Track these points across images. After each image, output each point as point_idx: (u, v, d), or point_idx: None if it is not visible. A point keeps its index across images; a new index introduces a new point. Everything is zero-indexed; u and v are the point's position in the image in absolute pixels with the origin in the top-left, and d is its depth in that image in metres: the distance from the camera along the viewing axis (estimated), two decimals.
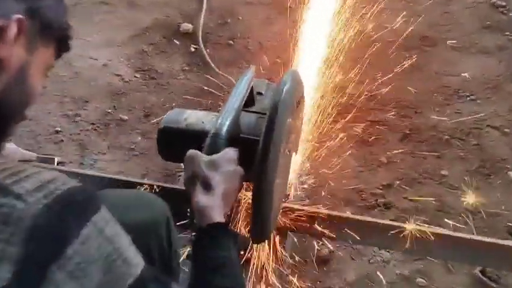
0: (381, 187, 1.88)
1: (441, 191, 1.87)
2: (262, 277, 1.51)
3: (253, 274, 1.48)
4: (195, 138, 1.16)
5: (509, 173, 1.92)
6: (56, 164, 1.82)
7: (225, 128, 1.16)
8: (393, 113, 2.16)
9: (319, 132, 1.94)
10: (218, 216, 0.91)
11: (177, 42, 2.57)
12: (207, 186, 0.95)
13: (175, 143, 1.21)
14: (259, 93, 1.33)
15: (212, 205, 0.93)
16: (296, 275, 1.55)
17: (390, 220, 1.72)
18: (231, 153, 1.06)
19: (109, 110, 2.19)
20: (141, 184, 1.61)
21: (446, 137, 2.10)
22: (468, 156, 2.02)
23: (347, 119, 2.00)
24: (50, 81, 2.32)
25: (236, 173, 1.03)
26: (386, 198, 1.83)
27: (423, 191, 1.88)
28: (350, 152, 1.99)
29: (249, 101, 1.29)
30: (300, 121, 1.43)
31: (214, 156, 1.04)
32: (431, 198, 1.82)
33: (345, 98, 2.09)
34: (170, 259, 0.97)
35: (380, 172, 1.95)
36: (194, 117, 1.31)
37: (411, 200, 1.83)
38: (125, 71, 2.40)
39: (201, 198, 0.93)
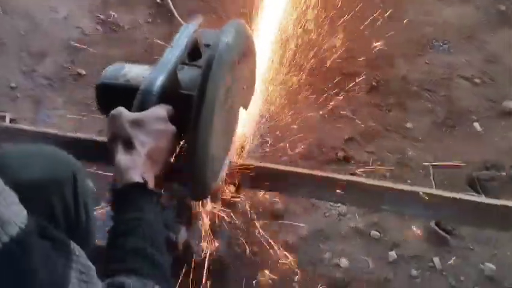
0: (342, 141, 1.84)
1: (404, 144, 1.83)
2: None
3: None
4: (133, 94, 1.12)
5: (474, 124, 1.88)
6: (8, 121, 1.78)
7: (157, 83, 1.09)
8: (363, 64, 2.09)
9: (284, 84, 1.88)
10: (137, 177, 0.87)
11: None
12: (129, 146, 0.91)
13: (114, 99, 1.13)
14: (208, 45, 1.27)
15: (132, 165, 0.89)
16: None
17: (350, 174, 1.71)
18: (159, 110, 1.01)
19: (67, 65, 2.10)
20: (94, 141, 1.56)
21: (415, 88, 2.04)
22: (435, 108, 1.97)
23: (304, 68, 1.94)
24: (8, 35, 2.25)
25: (165, 131, 0.98)
26: (346, 152, 1.79)
27: (385, 144, 1.84)
28: (314, 105, 1.95)
29: (195, 54, 1.23)
30: (250, 74, 1.37)
31: (140, 114, 0.99)
32: (392, 152, 1.79)
33: (315, 49, 2.03)
34: (79, 221, 0.94)
35: (342, 126, 1.90)
36: (134, 72, 1.24)
37: (371, 152, 1.80)
38: (86, 24, 2.30)
39: (121, 157, 0.89)
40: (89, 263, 0.69)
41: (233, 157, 1.50)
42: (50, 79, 2.05)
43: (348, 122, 1.91)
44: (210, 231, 1.44)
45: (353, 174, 1.70)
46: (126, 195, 0.84)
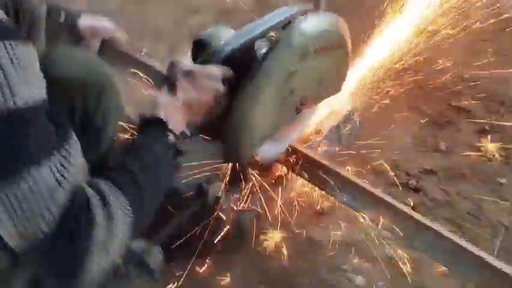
0: (421, 170, 1.75)
1: (485, 196, 1.67)
2: None
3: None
4: None
5: None
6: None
7: (227, 48, 1.22)
8: (479, 102, 1.94)
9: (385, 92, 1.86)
10: (162, 115, 1.00)
11: None
12: (172, 89, 1.05)
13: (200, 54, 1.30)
14: None
15: (166, 104, 1.02)
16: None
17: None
18: (214, 69, 1.13)
19: None
20: None
21: None
22: None
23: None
24: None
25: (211, 89, 1.10)
26: (418, 183, 1.71)
27: (465, 189, 1.70)
28: (413, 127, 1.88)
29: None
30: (334, 72, 1.39)
31: (195, 67, 1.12)
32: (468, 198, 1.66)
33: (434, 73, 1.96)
34: (93, 126, 1.09)
35: (430, 157, 1.80)
36: (227, 35, 1.38)
37: (446, 192, 1.68)
38: None
39: (160, 95, 1.03)
40: (78, 159, 0.84)
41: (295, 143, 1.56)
42: None
43: (437, 155, 1.81)
44: (246, 196, 1.53)
45: (413, 208, 1.63)
46: (144, 125, 0.98)
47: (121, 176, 0.88)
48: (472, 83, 2.03)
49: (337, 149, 1.77)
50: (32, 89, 0.78)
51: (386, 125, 1.85)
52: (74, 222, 0.79)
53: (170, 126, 1.00)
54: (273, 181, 1.59)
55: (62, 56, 1.07)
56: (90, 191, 0.82)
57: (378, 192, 1.43)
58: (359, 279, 1.47)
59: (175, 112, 1.04)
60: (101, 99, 1.08)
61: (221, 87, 1.11)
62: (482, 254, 1.27)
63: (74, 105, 1.04)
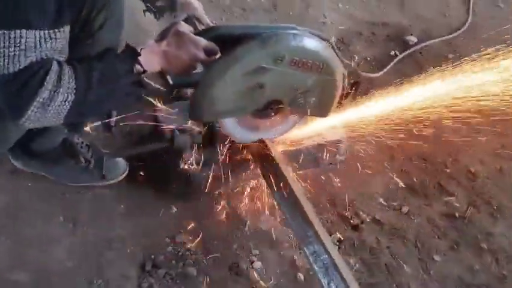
0: (371, 218, 1.89)
1: (409, 264, 1.77)
2: None
3: None
4: None
5: None
6: None
7: (219, 30, 1.55)
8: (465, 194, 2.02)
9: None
10: (139, 48, 1.35)
11: None
12: (161, 39, 1.41)
13: None
14: None
15: (149, 45, 1.39)
16: None
17: None
18: (202, 40, 1.47)
19: None
20: None
21: None
22: None
23: None
24: None
25: (191, 52, 1.44)
26: (360, 225, 1.86)
27: (398, 250, 1.81)
28: (388, 183, 2.02)
29: None
30: (309, 90, 1.63)
31: (188, 32, 1.46)
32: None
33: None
34: (92, 28, 1.46)
35: (386, 212, 1.93)
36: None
37: (377, 242, 1.81)
38: None
39: (150, 41, 1.40)
40: (60, 44, 1.22)
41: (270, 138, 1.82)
42: None
43: (394, 213, 1.93)
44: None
45: (340, 240, 1.80)
46: (125, 48, 1.35)
47: (81, 70, 1.26)
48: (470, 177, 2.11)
49: (311, 167, 2.00)
50: None
51: (365, 169, 2.03)
52: (30, 77, 1.19)
53: (142, 61, 1.35)
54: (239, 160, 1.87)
55: None
56: (55, 65, 1.21)
57: (308, 206, 1.65)
58: (258, 264, 1.69)
59: (152, 54, 1.39)
60: (104, 10, 1.46)
61: (200, 54, 1.45)
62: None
63: (82, 9, 1.43)
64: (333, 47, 1.65)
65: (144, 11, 2.08)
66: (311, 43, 1.56)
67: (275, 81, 1.58)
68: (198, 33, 1.53)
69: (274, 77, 1.56)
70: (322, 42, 1.59)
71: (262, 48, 1.49)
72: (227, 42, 1.54)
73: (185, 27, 1.49)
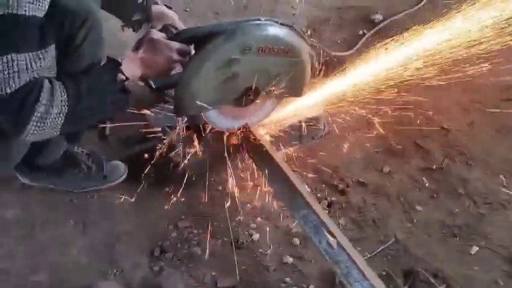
0: (355, 180, 2.05)
1: (395, 216, 1.92)
2: None
3: None
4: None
5: None
6: None
7: (189, 32, 1.72)
8: (441, 150, 2.17)
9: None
10: (119, 59, 1.53)
11: None
12: (138, 48, 1.57)
13: None
14: None
15: (127, 55, 1.56)
16: None
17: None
18: (172, 43, 1.63)
19: None
20: None
21: None
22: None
23: None
24: None
25: (165, 54, 1.60)
26: (346, 188, 2.01)
27: (383, 206, 1.96)
28: (368, 147, 2.18)
29: None
30: (280, 73, 1.79)
31: (161, 38, 1.62)
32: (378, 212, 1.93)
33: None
34: (74, 44, 1.58)
35: (369, 173, 2.09)
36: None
37: (364, 201, 1.97)
38: None
39: (128, 51, 1.56)
40: (48, 62, 1.39)
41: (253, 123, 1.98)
42: None
43: (377, 173, 2.09)
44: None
45: (329, 204, 1.97)
46: (107, 61, 1.51)
47: (71, 84, 1.44)
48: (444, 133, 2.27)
49: (295, 145, 2.15)
50: (33, 7, 1.34)
51: (346, 139, 2.19)
52: (27, 94, 1.36)
53: (124, 69, 1.52)
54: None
55: None
56: (46, 82, 1.38)
57: (294, 177, 1.80)
58: (256, 236, 1.84)
59: (131, 62, 1.57)
60: (84, 26, 1.59)
61: (174, 56, 1.61)
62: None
63: (63, 26, 1.56)
64: (296, 31, 1.81)
65: (122, 26, 2.28)
66: (274, 30, 1.72)
67: (247, 70, 1.74)
68: (170, 38, 1.69)
69: (245, 66, 1.72)
70: (284, 28, 1.75)
71: (229, 41, 1.64)
72: (198, 42, 1.70)
73: (158, 35, 1.66)
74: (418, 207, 1.94)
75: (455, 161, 2.12)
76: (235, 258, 1.77)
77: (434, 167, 2.09)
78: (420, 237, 1.84)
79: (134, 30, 2.32)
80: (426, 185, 2.02)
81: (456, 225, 1.86)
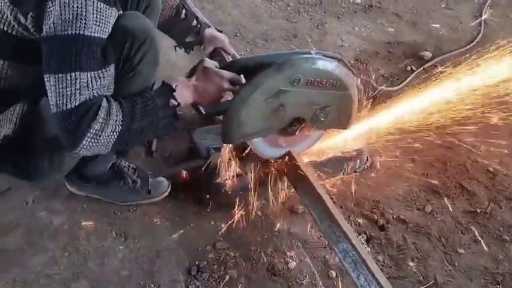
0: (395, 217, 2.02)
1: (435, 260, 1.88)
2: None
3: None
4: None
5: None
6: None
7: (241, 62, 1.79)
8: (485, 191, 2.12)
9: None
10: (173, 85, 1.60)
11: None
12: (191, 75, 1.64)
13: None
14: None
15: (181, 82, 1.64)
16: None
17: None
18: (227, 73, 1.69)
19: None
20: None
21: None
22: None
23: None
24: None
25: (216, 83, 1.67)
26: (386, 224, 1.99)
27: (423, 246, 1.93)
28: (412, 185, 2.15)
29: None
30: (328, 106, 1.81)
31: (213, 67, 1.68)
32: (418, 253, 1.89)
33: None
34: (130, 63, 1.64)
35: (410, 211, 2.06)
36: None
37: (404, 239, 1.93)
38: None
39: (181, 77, 1.63)
40: (107, 81, 1.47)
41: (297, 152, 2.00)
42: None
43: (418, 212, 2.06)
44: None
45: (367, 239, 1.94)
46: (162, 85, 1.59)
47: (126, 105, 1.52)
48: (491, 176, 2.22)
49: (337, 176, 2.16)
50: (98, 29, 1.42)
51: (388, 174, 2.18)
52: (85, 112, 1.43)
53: (176, 95, 1.58)
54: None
55: (129, 14, 1.68)
56: (105, 101, 1.46)
57: (334, 209, 1.81)
58: (293, 264, 1.84)
59: (184, 89, 1.63)
60: (142, 47, 1.65)
61: (225, 85, 1.67)
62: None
63: (124, 46, 1.63)
64: (345, 65, 1.84)
65: (175, 46, 2.37)
66: (323, 64, 1.74)
67: (295, 101, 1.77)
68: (223, 67, 1.75)
69: (293, 97, 1.75)
70: (334, 62, 1.78)
71: (278, 73, 1.68)
72: (249, 72, 1.75)
73: (211, 63, 1.72)
74: (460, 250, 1.90)
75: (501, 206, 2.07)
76: (270, 284, 1.79)
77: (479, 210, 2.05)
78: (461, 281, 1.80)
79: (186, 51, 2.42)
80: (470, 228, 1.98)
81: (499, 273, 1.81)
